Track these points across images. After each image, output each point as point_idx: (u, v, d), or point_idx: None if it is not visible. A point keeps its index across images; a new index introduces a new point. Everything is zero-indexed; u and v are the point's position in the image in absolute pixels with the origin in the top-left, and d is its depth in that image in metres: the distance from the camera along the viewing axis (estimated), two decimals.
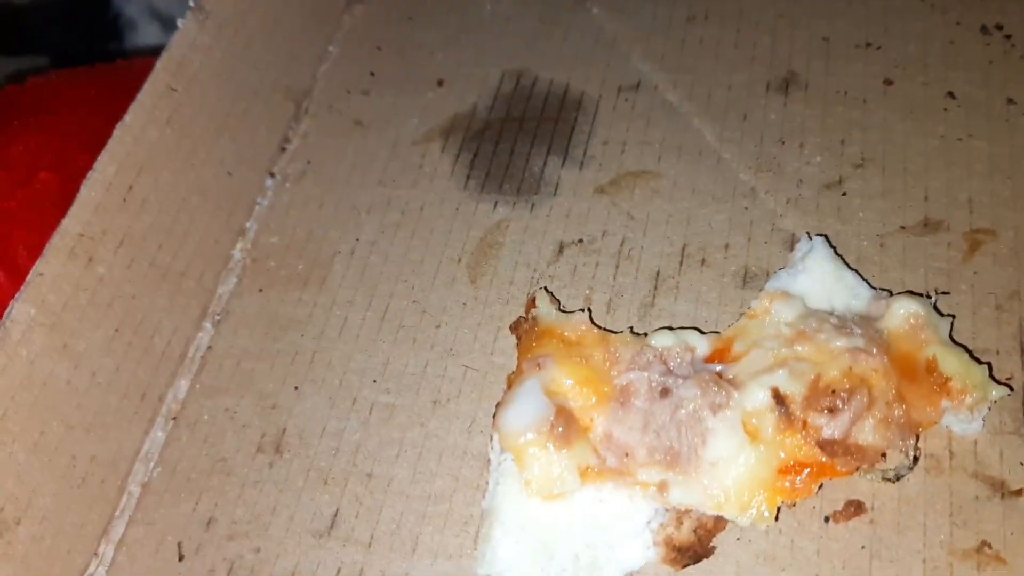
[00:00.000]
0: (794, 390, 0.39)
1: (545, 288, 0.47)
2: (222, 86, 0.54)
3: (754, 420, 0.39)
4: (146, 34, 0.80)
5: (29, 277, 0.43)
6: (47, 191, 0.46)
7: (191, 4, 0.53)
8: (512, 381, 0.42)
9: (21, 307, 0.42)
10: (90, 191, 0.46)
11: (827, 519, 0.40)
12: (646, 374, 0.41)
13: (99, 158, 0.47)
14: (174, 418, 0.47)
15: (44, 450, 0.42)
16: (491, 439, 0.42)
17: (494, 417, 0.41)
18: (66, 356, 0.44)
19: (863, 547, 0.39)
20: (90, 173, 0.46)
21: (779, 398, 0.39)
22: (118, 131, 0.48)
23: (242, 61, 0.56)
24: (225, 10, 0.54)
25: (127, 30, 0.80)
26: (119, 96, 0.48)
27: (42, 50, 0.77)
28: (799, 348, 0.41)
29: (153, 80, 0.50)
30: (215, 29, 0.54)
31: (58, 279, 0.44)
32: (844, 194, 0.49)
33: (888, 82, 0.53)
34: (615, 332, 0.44)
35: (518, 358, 0.43)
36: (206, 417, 0.47)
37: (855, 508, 0.40)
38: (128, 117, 0.49)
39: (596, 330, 0.43)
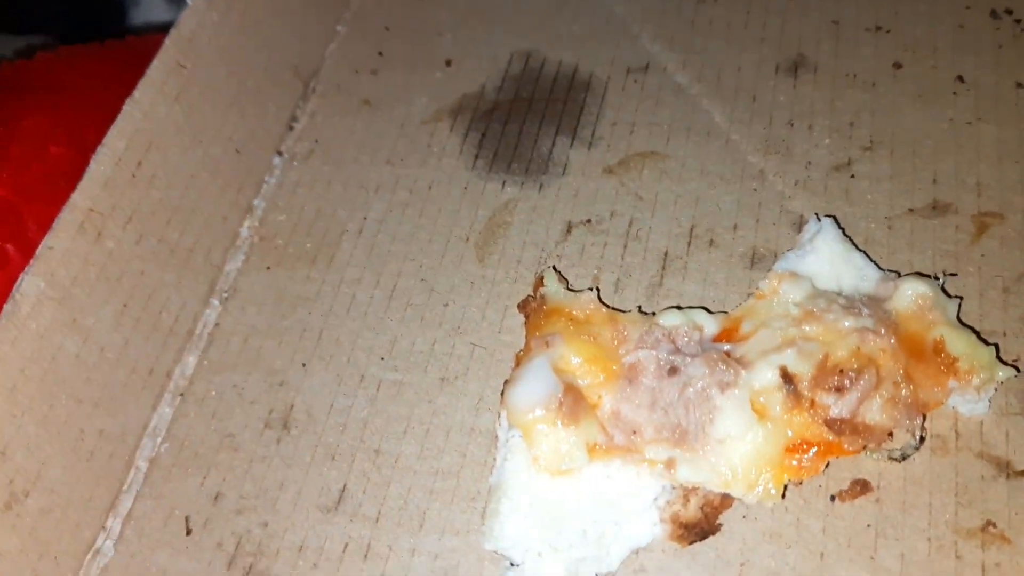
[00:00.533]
0: (802, 369, 0.39)
1: (553, 267, 0.47)
2: (231, 64, 0.54)
3: (762, 398, 0.39)
4: (150, 9, 0.80)
5: (39, 251, 0.43)
6: (58, 165, 0.46)
7: None
8: (520, 359, 0.42)
9: (31, 280, 0.42)
10: (99, 166, 0.46)
11: (833, 498, 0.40)
12: (654, 352, 0.41)
13: (108, 133, 0.47)
14: (182, 394, 0.48)
15: (53, 424, 0.43)
16: (499, 416, 0.42)
17: (502, 394, 0.42)
18: (75, 330, 0.44)
19: (869, 525, 0.39)
20: (99, 148, 0.46)
21: (787, 377, 0.39)
22: (127, 107, 0.48)
23: (251, 39, 0.55)
24: None
25: (131, 6, 0.80)
26: (129, 72, 0.48)
27: (47, 28, 0.77)
28: (807, 328, 0.41)
29: (162, 56, 0.50)
30: (224, 6, 0.54)
31: (68, 253, 0.44)
32: (853, 176, 0.49)
33: (897, 65, 0.52)
34: (623, 311, 0.44)
35: (526, 336, 0.44)
36: (214, 393, 0.47)
37: (861, 487, 0.40)
38: (137, 93, 0.49)
39: (604, 309, 0.43)
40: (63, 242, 0.44)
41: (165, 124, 0.50)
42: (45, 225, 0.44)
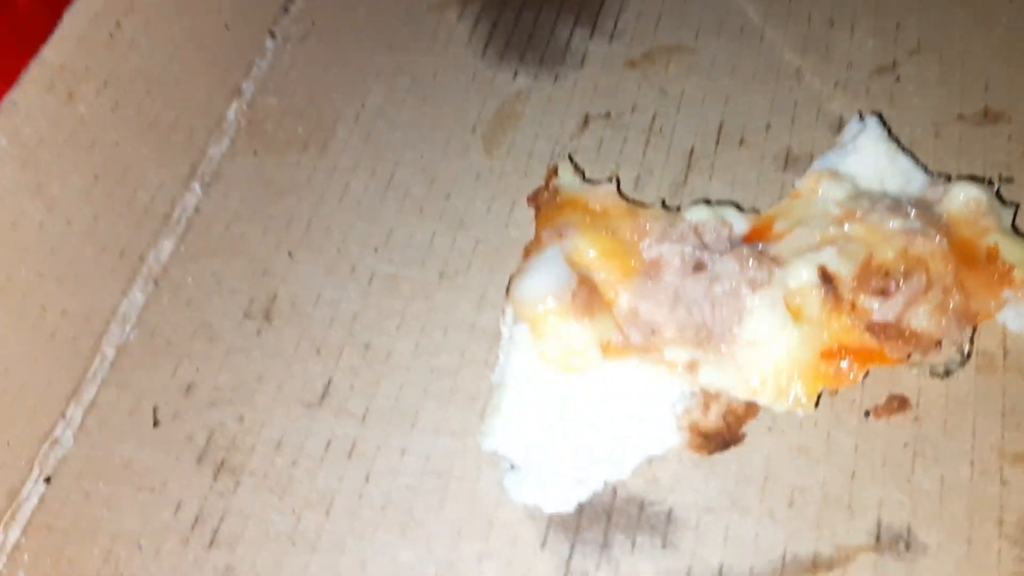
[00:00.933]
0: (843, 270, 0.35)
1: (569, 156, 0.43)
2: None
3: (797, 299, 0.35)
4: None
5: (2, 105, 0.39)
6: (26, 17, 0.42)
7: None
8: (529, 251, 0.39)
9: None
10: (74, 22, 0.42)
11: (867, 413, 0.36)
12: (679, 247, 0.37)
13: None
14: (155, 279, 0.43)
15: (11, 296, 0.38)
16: (503, 312, 0.38)
17: (507, 289, 0.38)
18: (39, 196, 0.39)
19: (906, 444, 0.36)
20: (74, 2, 0.42)
21: (826, 277, 0.35)
22: None
23: None
24: None
25: None
26: None
27: None
28: (849, 228, 0.37)
29: None
30: None
31: (34, 111, 0.39)
32: (898, 79, 0.45)
33: None
34: (644, 205, 0.40)
35: (536, 229, 0.40)
36: (190, 280, 0.43)
37: (899, 404, 0.36)
38: None
39: (624, 202, 0.39)
40: (30, 98, 0.39)
41: None
42: (10, 79, 0.39)
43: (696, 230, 0.38)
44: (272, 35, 0.52)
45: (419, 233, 0.43)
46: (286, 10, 0.53)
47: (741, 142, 0.44)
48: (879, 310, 0.35)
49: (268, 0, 0.52)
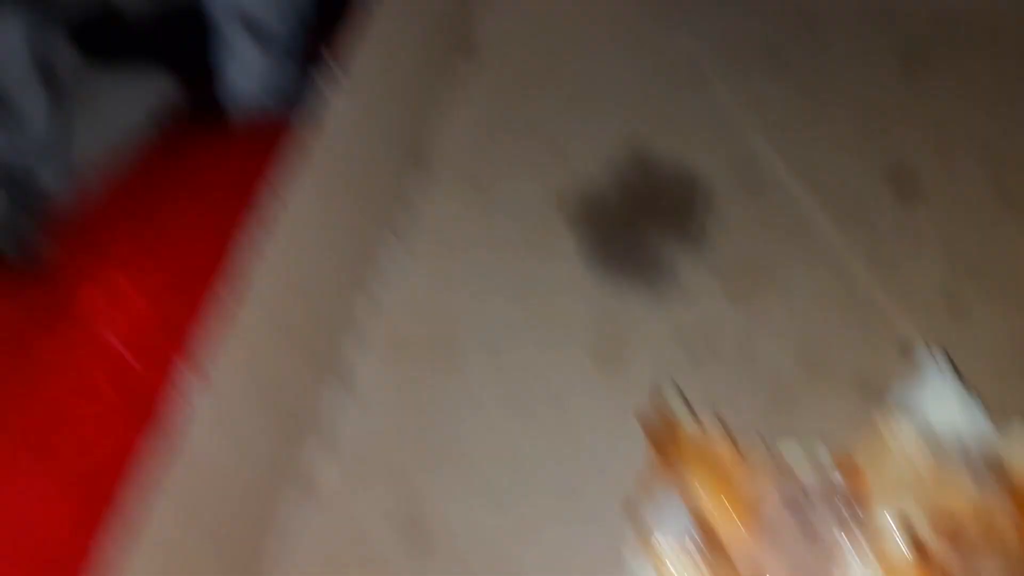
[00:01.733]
0: (925, 525, 0.41)
1: (677, 386, 0.49)
2: (351, 148, 0.55)
3: (887, 553, 0.41)
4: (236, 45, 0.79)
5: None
6: None
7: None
8: (649, 485, 0.44)
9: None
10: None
11: None
12: (782, 491, 0.43)
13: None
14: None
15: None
16: (626, 538, 0.44)
17: (627, 513, 0.43)
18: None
19: None
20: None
21: (912, 534, 0.41)
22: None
23: (371, 122, 0.56)
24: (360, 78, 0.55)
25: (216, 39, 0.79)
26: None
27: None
28: (926, 475, 0.42)
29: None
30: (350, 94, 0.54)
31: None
32: (964, 312, 0.50)
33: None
34: (747, 442, 0.45)
35: (651, 457, 0.45)
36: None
37: None
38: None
39: (734, 446, 0.44)
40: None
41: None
42: None
43: (794, 472, 0.44)
44: (394, 234, 0.57)
45: (542, 447, 0.49)
46: (405, 211, 0.58)
47: (820, 369, 0.49)
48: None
49: (388, 203, 0.58)
